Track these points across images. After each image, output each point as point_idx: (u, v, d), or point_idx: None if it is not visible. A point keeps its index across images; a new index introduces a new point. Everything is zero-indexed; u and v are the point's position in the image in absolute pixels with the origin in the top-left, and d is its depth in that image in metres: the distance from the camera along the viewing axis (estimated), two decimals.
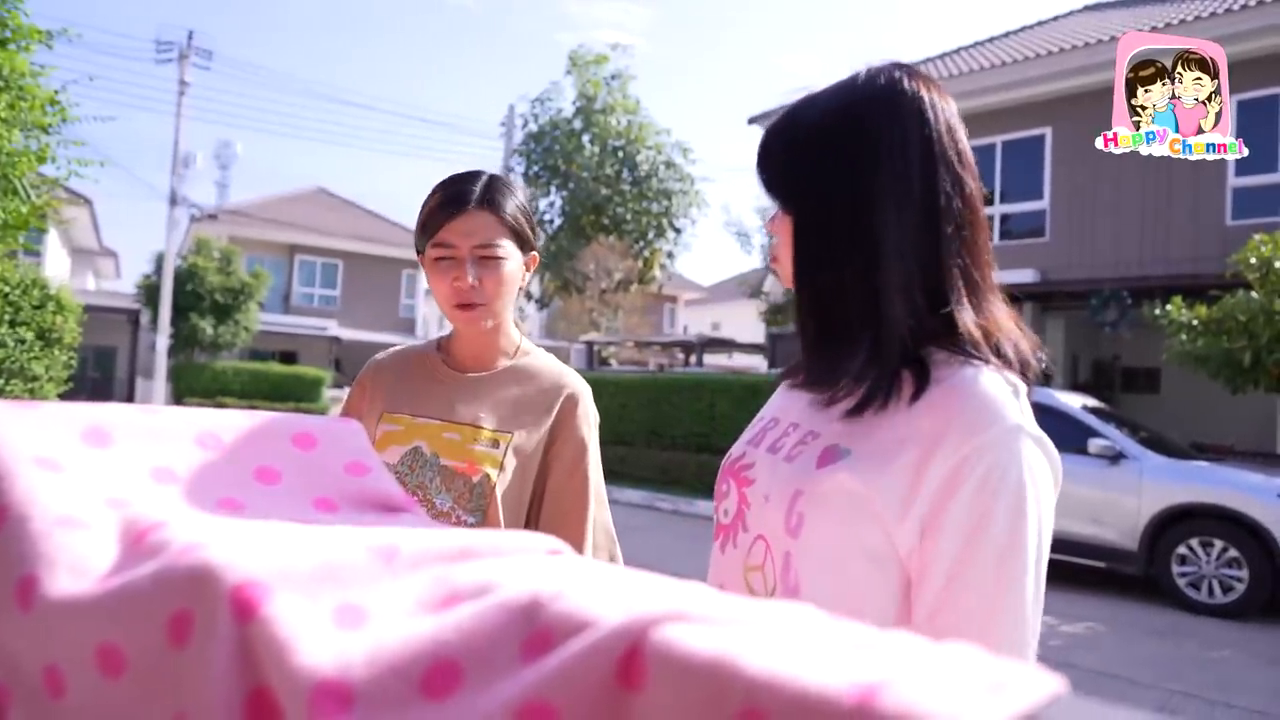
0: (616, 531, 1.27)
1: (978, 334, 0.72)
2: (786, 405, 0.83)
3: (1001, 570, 0.64)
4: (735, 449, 0.84)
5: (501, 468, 1.15)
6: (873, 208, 0.70)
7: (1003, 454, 0.64)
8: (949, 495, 0.65)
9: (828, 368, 0.73)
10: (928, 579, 0.65)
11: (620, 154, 17.26)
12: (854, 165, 0.71)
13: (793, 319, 0.84)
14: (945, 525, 0.65)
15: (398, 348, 1.32)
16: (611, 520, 1.28)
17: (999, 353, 0.72)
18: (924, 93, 0.73)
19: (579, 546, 1.18)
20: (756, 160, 0.78)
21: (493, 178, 1.19)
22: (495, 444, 1.16)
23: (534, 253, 1.24)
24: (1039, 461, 0.66)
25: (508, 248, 1.17)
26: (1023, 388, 0.71)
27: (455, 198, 1.15)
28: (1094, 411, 6.15)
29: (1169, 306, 7.01)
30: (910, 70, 0.75)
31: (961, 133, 0.75)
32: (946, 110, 0.74)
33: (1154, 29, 9.31)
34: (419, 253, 1.21)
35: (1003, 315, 0.74)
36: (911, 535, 0.67)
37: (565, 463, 1.20)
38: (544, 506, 1.20)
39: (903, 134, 0.71)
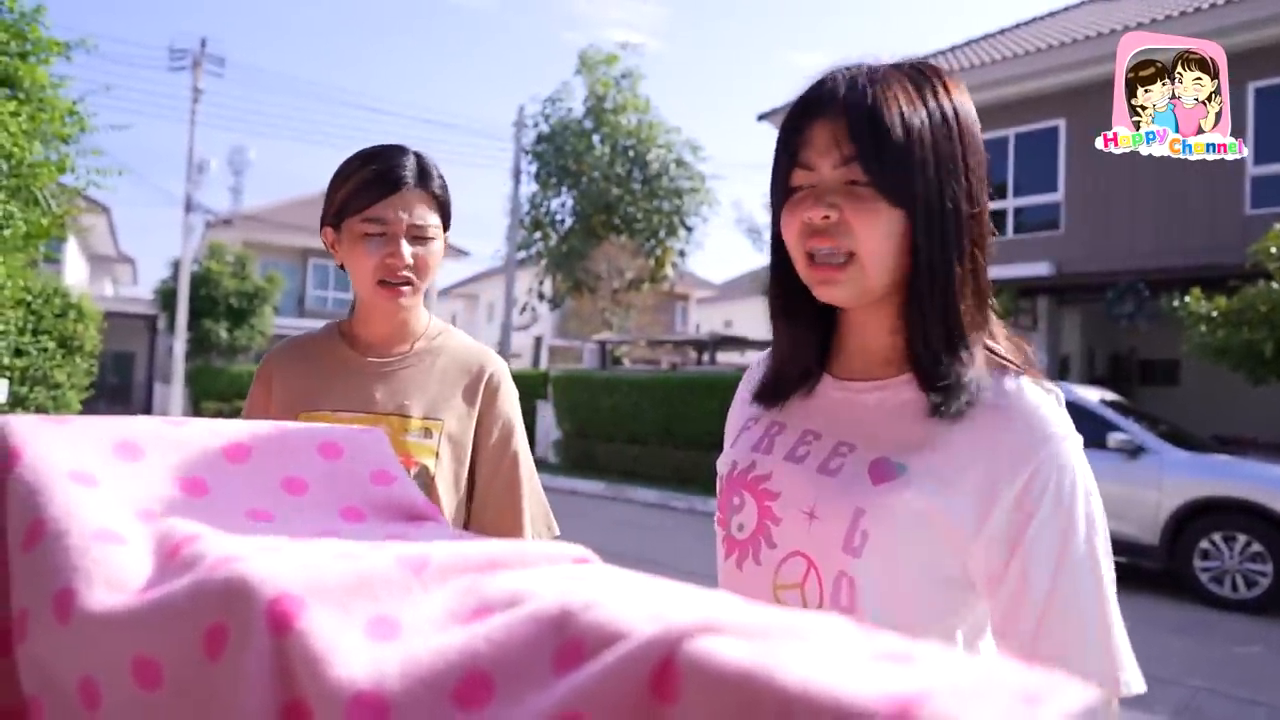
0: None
1: (1010, 339, 0.74)
2: (791, 407, 0.79)
3: (1094, 570, 0.67)
4: (739, 457, 0.80)
5: (438, 457, 1.13)
6: (980, 210, 0.72)
7: (1067, 463, 0.67)
8: (1029, 512, 0.66)
9: (955, 375, 0.70)
10: (1028, 596, 0.66)
11: (631, 153, 17.24)
12: (964, 169, 0.72)
13: (819, 324, 0.79)
14: (1033, 542, 0.66)
15: (293, 337, 1.28)
16: (545, 494, 1.26)
17: (1016, 353, 0.73)
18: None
19: (518, 525, 1.18)
20: (857, 132, 0.68)
21: (420, 155, 1.18)
22: (428, 433, 1.13)
23: (448, 232, 1.22)
24: (1085, 459, 0.69)
25: (438, 227, 1.17)
26: (1059, 393, 0.73)
27: (391, 175, 1.13)
28: (1112, 405, 6.06)
29: (1187, 298, 6.91)
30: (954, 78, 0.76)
31: None
32: None
33: (1167, 17, 9.18)
34: (329, 226, 1.17)
35: (999, 323, 0.77)
36: (987, 552, 0.67)
37: (496, 443, 1.18)
38: (478, 488, 1.18)
39: (978, 145, 0.73)
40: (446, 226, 1.21)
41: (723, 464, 0.82)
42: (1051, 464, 0.66)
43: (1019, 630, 0.66)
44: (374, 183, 1.13)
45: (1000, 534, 0.66)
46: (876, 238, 0.69)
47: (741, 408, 0.87)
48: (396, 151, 1.16)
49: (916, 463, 0.68)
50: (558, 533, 1.25)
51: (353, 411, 1.15)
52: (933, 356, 0.71)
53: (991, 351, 0.72)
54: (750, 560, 0.75)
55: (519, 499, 1.19)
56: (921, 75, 0.72)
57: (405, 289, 1.14)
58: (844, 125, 0.69)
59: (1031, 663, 0.65)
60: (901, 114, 0.69)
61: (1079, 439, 0.69)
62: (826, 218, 0.70)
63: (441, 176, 1.19)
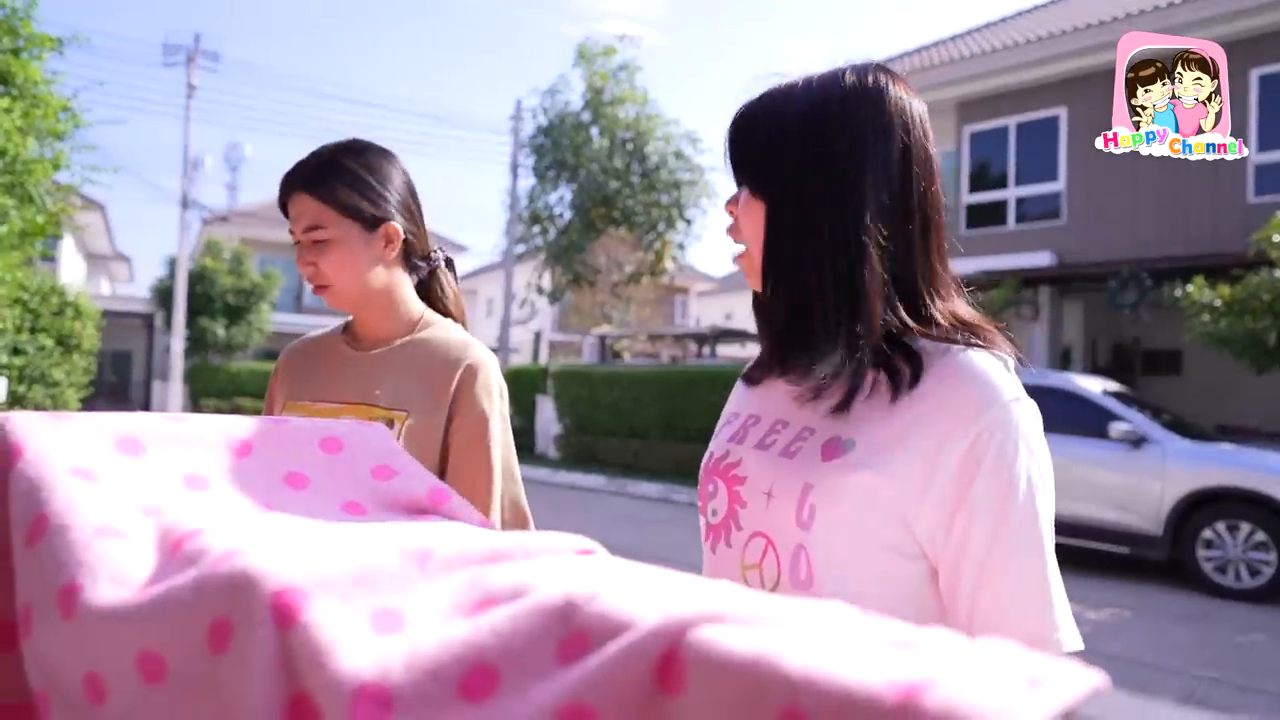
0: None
1: (956, 323, 0.76)
2: (764, 402, 0.83)
3: (1033, 530, 0.68)
4: (716, 448, 0.84)
5: None
6: (857, 206, 0.72)
7: (1012, 426, 0.68)
8: (971, 473, 0.67)
9: (805, 362, 0.73)
10: (968, 553, 0.68)
11: (629, 146, 17.17)
12: (839, 162, 0.72)
13: (758, 306, 0.84)
14: (975, 501, 0.67)
15: (312, 332, 1.31)
16: (525, 496, 1.22)
17: (977, 338, 0.75)
18: (906, 97, 0.76)
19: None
20: (730, 138, 0.78)
21: (329, 153, 1.16)
22: (390, 424, 1.12)
23: (388, 224, 1.17)
24: (1037, 424, 0.71)
25: (338, 229, 1.13)
26: (1011, 360, 0.75)
27: (283, 183, 1.15)
28: (1115, 395, 6.05)
29: (1190, 287, 6.89)
30: (893, 74, 0.78)
31: (931, 138, 0.79)
32: (923, 116, 0.78)
33: (1170, 4, 9.14)
34: None
35: (966, 310, 0.78)
36: (931, 515, 0.69)
37: (466, 437, 1.15)
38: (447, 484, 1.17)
39: (887, 137, 0.74)
40: (371, 219, 1.15)
41: (705, 457, 0.86)
42: (996, 426, 0.68)
43: (960, 587, 0.69)
44: (279, 196, 1.16)
45: (944, 495, 0.68)
46: (750, 231, 0.77)
47: (728, 405, 0.91)
48: (306, 157, 1.17)
49: (864, 436, 0.71)
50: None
51: (328, 402, 1.16)
52: (785, 345, 0.75)
53: (935, 332, 0.74)
54: (723, 543, 0.79)
55: (487, 501, 1.15)
56: (825, 80, 0.75)
57: (325, 292, 1.16)
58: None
59: (971, 619, 0.67)
60: (777, 115, 0.75)
61: (1030, 404, 0.70)
62: (730, 212, 0.79)
63: (354, 168, 1.15)
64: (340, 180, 1.14)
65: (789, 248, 0.74)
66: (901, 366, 0.72)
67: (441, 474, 1.16)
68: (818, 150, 0.73)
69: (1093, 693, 0.30)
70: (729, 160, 0.79)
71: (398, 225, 1.18)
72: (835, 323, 0.72)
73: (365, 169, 1.16)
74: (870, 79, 0.75)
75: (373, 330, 1.22)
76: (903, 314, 0.74)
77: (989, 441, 0.67)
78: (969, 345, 0.73)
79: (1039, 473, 0.69)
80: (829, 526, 0.70)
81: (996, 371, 0.71)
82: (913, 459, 0.68)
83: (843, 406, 0.71)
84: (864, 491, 0.69)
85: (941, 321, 0.75)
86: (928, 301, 0.75)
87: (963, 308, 0.77)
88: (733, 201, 0.79)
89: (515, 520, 1.21)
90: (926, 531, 0.69)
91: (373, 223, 1.16)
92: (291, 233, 1.16)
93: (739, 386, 0.90)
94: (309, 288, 1.20)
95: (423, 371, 1.17)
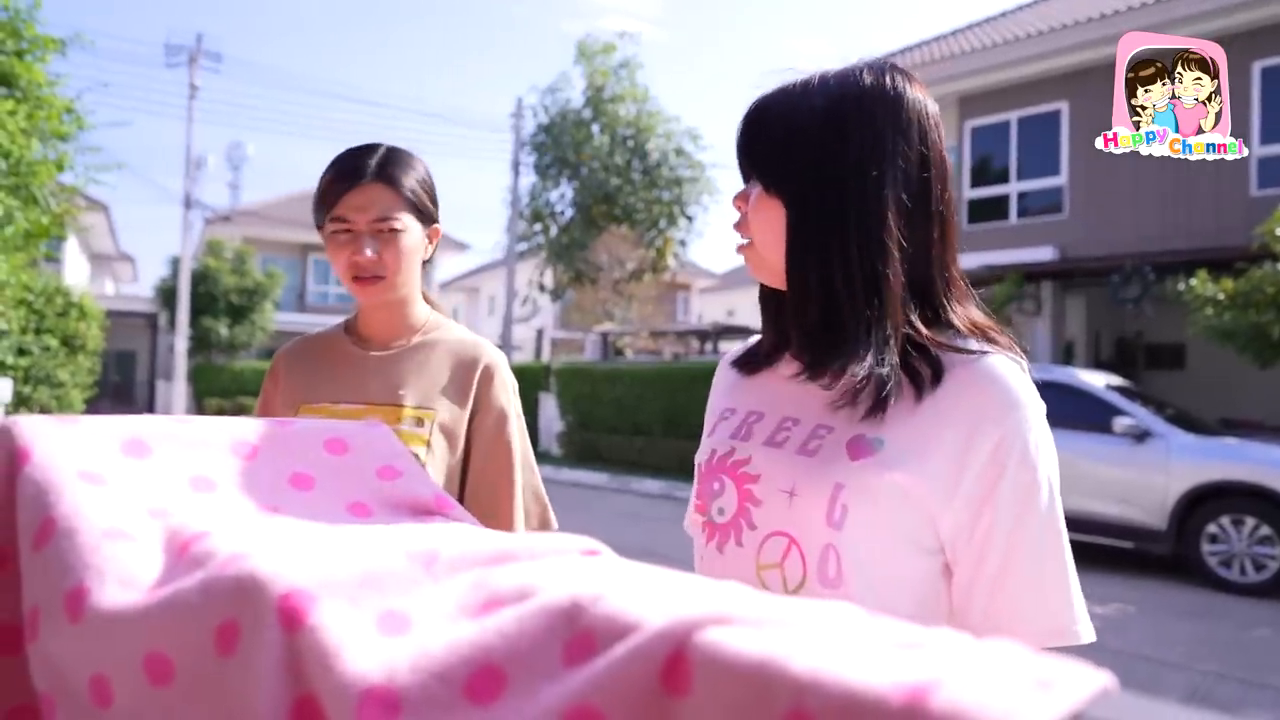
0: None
1: (972, 326, 0.77)
2: (764, 396, 0.82)
3: (1050, 526, 0.71)
4: (718, 445, 0.83)
5: (429, 446, 1.15)
6: (879, 207, 0.73)
7: (1033, 428, 0.71)
8: (997, 472, 0.70)
9: (836, 360, 0.73)
10: (992, 547, 0.70)
11: (630, 143, 17.17)
12: (860, 161, 0.73)
13: (774, 303, 0.83)
14: (1000, 498, 0.70)
15: (305, 334, 1.32)
16: (543, 486, 1.26)
17: (991, 341, 0.76)
18: (923, 99, 0.76)
19: (509, 515, 1.19)
20: (742, 133, 0.78)
21: (389, 150, 1.19)
22: (420, 423, 1.16)
23: (435, 225, 1.24)
24: (1048, 428, 0.73)
25: (405, 221, 1.16)
26: (1025, 364, 0.76)
27: (350, 172, 1.15)
28: (1118, 390, 6.04)
29: (1193, 281, 6.87)
30: (908, 75, 0.78)
31: (944, 139, 0.80)
32: (938, 118, 0.78)
33: None
34: (319, 227, 1.21)
35: (979, 314, 0.79)
36: (959, 513, 0.71)
37: (488, 433, 1.20)
38: (470, 479, 1.19)
39: (906, 139, 0.74)
40: (427, 218, 1.21)
41: (701, 453, 0.85)
42: (1019, 428, 0.70)
43: (980, 580, 0.71)
44: (334, 182, 1.16)
45: (971, 494, 0.70)
46: (762, 227, 0.77)
47: (717, 398, 0.90)
48: (362, 150, 1.18)
49: (891, 435, 0.71)
50: (555, 527, 1.25)
51: (350, 403, 1.18)
52: (814, 342, 0.75)
53: (953, 335, 0.75)
54: (732, 543, 0.78)
55: (510, 492, 1.20)
56: (842, 78, 0.75)
57: (377, 284, 1.16)
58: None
59: (989, 612, 0.69)
60: (792, 111, 0.75)
61: (1042, 406, 0.73)
62: (739, 207, 0.79)
63: (417, 168, 1.19)
64: (410, 176, 1.18)
65: (815, 247, 0.74)
66: (922, 368, 0.72)
67: (464, 469, 1.19)
68: (836, 149, 0.73)
69: (1101, 694, 0.30)
70: (741, 155, 0.78)
71: (438, 226, 1.24)
72: (867, 325, 0.72)
73: (419, 169, 1.21)
74: (888, 79, 0.75)
75: (385, 329, 1.23)
76: (920, 316, 0.75)
77: (1014, 441, 0.70)
78: (986, 349, 0.74)
79: (1056, 472, 0.72)
80: (861, 526, 0.70)
81: (1015, 375, 0.72)
82: (942, 458, 0.70)
83: (878, 408, 0.71)
84: (896, 491, 0.70)
85: (959, 324, 0.76)
86: (946, 304, 0.76)
87: (976, 311, 0.78)
88: (742, 197, 0.78)
89: (537, 509, 1.24)
90: (950, 528, 0.71)
91: (428, 220, 1.21)
92: (344, 220, 1.14)
93: (729, 377, 0.89)
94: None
95: (443, 370, 1.20)
